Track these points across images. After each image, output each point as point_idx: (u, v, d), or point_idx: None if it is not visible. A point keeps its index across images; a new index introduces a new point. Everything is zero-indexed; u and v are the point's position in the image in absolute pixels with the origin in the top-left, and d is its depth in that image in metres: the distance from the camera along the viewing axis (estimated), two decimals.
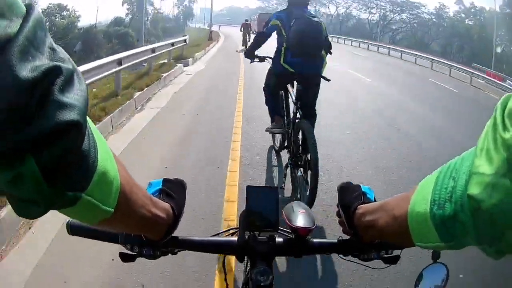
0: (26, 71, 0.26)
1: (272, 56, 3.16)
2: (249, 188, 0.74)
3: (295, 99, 2.91)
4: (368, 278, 2.29)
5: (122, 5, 48.52)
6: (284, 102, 3.32)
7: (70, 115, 0.29)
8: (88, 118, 0.34)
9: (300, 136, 2.78)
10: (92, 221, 0.41)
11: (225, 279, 0.84)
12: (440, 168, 0.44)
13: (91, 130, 0.36)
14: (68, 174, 0.32)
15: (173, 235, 0.64)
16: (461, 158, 0.41)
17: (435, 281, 0.61)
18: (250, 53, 3.32)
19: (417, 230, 0.46)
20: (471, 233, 0.38)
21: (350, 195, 0.70)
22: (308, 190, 2.52)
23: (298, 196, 2.71)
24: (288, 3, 3.03)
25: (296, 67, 2.87)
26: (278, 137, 3.68)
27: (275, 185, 3.12)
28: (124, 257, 0.69)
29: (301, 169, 2.72)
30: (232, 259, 1.86)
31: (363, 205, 0.65)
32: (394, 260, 0.72)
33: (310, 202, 2.47)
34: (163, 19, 54.97)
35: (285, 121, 3.20)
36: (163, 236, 0.61)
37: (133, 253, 0.68)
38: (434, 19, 51.99)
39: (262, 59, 3.38)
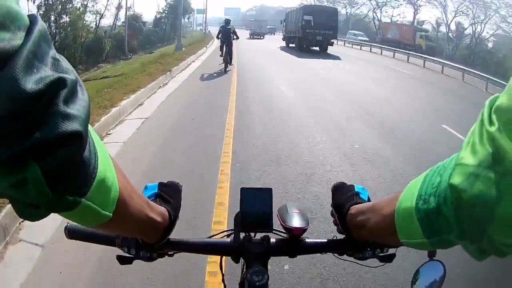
0: (31, 83, 0.27)
1: (219, 37, 11.83)
2: (243, 190, 0.75)
3: (226, 47, 11.44)
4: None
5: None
6: (224, 49, 11.47)
7: (73, 126, 0.30)
8: (89, 126, 0.35)
9: (227, 51, 11.50)
10: (91, 224, 0.42)
11: (223, 280, 0.85)
12: (430, 168, 0.45)
13: (92, 137, 0.37)
14: (69, 180, 0.33)
15: (169, 237, 0.65)
16: (451, 158, 0.42)
17: (432, 278, 0.61)
18: (217, 36, 12.29)
19: (402, 226, 0.47)
20: (453, 228, 0.39)
21: (343, 196, 0.70)
22: (228, 59, 11.59)
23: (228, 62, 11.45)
24: (224, 23, 11.97)
25: (224, 39, 11.52)
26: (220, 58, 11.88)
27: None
28: (122, 260, 0.70)
29: (227, 59, 11.50)
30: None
31: (355, 205, 0.66)
32: (389, 258, 0.72)
33: (229, 60, 11.69)
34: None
35: (224, 51, 11.43)
36: (160, 239, 0.62)
37: (130, 255, 0.69)
38: None
39: (218, 37, 12.20)
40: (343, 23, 51.02)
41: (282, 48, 25.14)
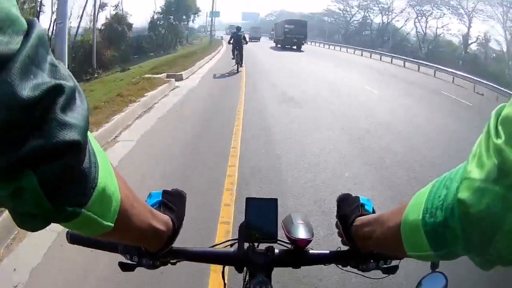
0: (27, 89, 0.26)
1: (231, 42, 13.96)
2: (249, 200, 0.75)
3: (236, 51, 13.55)
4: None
5: None
6: (235, 51, 13.66)
7: (71, 135, 0.29)
8: (89, 134, 0.34)
9: (238, 54, 13.65)
10: (92, 234, 0.41)
11: None
12: (436, 179, 0.45)
13: (92, 146, 0.36)
14: (68, 190, 0.32)
15: (173, 245, 0.65)
16: (457, 169, 0.42)
17: None
18: (229, 42, 14.54)
19: (409, 239, 0.47)
20: (460, 241, 0.38)
21: (348, 207, 0.70)
22: (239, 61, 13.68)
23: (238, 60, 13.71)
24: (236, 30, 14.20)
25: (235, 43, 13.57)
26: (233, 61, 14.14)
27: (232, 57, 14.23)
28: (124, 267, 0.69)
29: (239, 60, 13.58)
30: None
31: (360, 217, 0.66)
32: (392, 270, 0.72)
33: (240, 62, 13.79)
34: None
35: (235, 54, 13.64)
36: (163, 247, 0.62)
37: (133, 263, 0.68)
38: None
39: (230, 43, 14.34)
40: (376, 34, 42.50)
41: (271, 47, 34.48)
